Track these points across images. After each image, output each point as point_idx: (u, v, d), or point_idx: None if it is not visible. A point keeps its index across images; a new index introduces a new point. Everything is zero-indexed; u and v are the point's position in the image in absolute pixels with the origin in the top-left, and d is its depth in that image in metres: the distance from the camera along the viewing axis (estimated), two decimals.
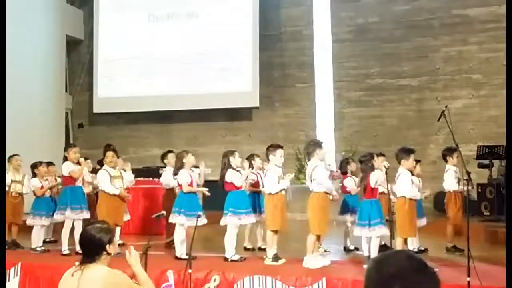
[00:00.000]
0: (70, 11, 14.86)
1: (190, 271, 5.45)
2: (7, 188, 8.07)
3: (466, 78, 12.43)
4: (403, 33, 12.86)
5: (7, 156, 8.22)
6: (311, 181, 6.44)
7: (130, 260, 3.44)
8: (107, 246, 3.35)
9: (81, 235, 3.50)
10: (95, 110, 14.71)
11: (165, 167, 8.48)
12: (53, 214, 7.80)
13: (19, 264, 6.72)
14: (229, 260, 6.68)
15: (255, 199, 7.54)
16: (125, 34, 14.23)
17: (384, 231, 6.25)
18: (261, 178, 7.37)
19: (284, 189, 6.70)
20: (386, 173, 6.12)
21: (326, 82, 12.96)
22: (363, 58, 13.12)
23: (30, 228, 7.87)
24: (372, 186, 6.35)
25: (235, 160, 7.02)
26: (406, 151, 6.46)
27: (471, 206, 8.63)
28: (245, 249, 7.63)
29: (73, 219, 7.40)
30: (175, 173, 7.27)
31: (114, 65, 14.30)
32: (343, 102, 13.22)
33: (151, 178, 10.01)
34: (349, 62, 13.19)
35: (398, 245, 6.22)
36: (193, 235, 6.12)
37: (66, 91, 14.83)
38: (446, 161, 7.52)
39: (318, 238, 6.48)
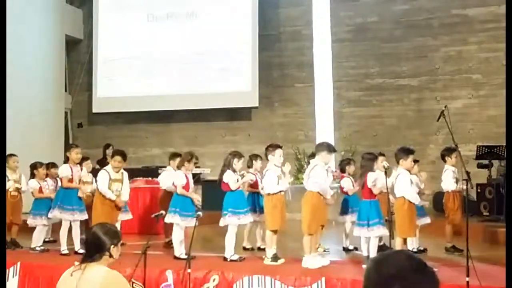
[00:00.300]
0: (69, 11, 14.86)
1: (189, 270, 5.45)
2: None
3: (465, 78, 12.43)
4: (402, 33, 12.86)
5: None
6: (308, 179, 6.44)
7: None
8: (111, 247, 3.36)
9: (87, 232, 3.54)
10: (94, 110, 14.71)
11: (165, 168, 8.47)
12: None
13: (18, 263, 6.72)
14: (228, 260, 6.68)
15: (254, 199, 7.55)
16: (125, 34, 14.24)
17: (383, 231, 6.25)
18: (260, 179, 7.37)
19: (282, 190, 6.70)
20: (386, 173, 6.11)
21: (326, 82, 12.95)
22: (362, 58, 13.13)
23: (29, 227, 7.86)
24: (369, 186, 6.35)
25: (238, 164, 7.00)
26: (405, 151, 6.46)
27: (471, 206, 8.66)
28: (244, 249, 7.63)
29: (70, 220, 7.40)
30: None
31: (114, 65, 14.31)
32: (342, 102, 13.22)
33: (150, 178, 10.01)
34: (348, 62, 13.19)
35: (397, 245, 6.22)
36: (192, 235, 6.12)
37: (65, 90, 14.83)
38: (445, 161, 7.52)
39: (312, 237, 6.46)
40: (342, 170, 7.86)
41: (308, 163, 7.96)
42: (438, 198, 8.65)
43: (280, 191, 6.66)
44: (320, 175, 6.38)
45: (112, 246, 3.35)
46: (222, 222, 6.87)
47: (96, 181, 7.54)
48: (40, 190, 8.10)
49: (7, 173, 8.10)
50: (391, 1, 12.97)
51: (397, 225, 6.29)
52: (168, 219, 6.99)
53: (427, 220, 7.44)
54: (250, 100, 13.42)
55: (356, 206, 7.13)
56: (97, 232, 3.38)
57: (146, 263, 5.15)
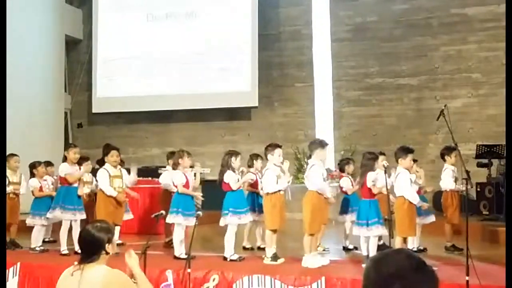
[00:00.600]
0: (69, 11, 14.87)
1: (189, 270, 5.44)
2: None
3: (465, 77, 12.44)
4: (402, 32, 12.87)
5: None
6: (307, 179, 6.45)
7: (130, 261, 3.43)
8: (107, 245, 3.35)
9: (80, 234, 3.51)
10: (94, 110, 14.73)
11: (165, 167, 8.48)
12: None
13: (18, 264, 6.71)
14: (228, 259, 6.68)
15: (253, 198, 7.55)
16: (124, 34, 14.26)
17: (382, 230, 6.25)
18: (260, 178, 7.37)
19: (281, 190, 6.69)
20: (385, 172, 6.11)
21: (325, 82, 12.96)
22: (362, 57, 13.14)
23: (29, 228, 7.86)
24: (368, 186, 6.35)
25: (236, 162, 7.01)
26: (404, 150, 6.46)
27: (470, 205, 8.67)
28: (244, 248, 7.63)
29: (70, 220, 7.40)
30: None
31: (113, 65, 14.32)
32: (342, 102, 13.23)
33: (150, 178, 10.01)
34: (348, 62, 13.20)
35: (397, 244, 6.22)
36: (192, 235, 6.12)
37: (65, 91, 14.85)
38: (445, 160, 7.52)
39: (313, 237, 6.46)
40: (342, 170, 7.87)
41: (307, 163, 7.96)
42: (438, 197, 8.66)
43: (279, 191, 6.65)
44: (318, 174, 6.36)
45: (108, 243, 3.35)
46: (222, 222, 6.87)
47: (96, 180, 7.55)
48: (41, 189, 8.10)
49: (7, 174, 8.11)
50: (390, 0, 12.98)
51: (397, 224, 6.29)
52: (170, 219, 6.98)
53: (431, 218, 7.44)
54: (249, 100, 13.43)
55: (356, 205, 7.13)
56: (91, 232, 3.37)
57: (146, 263, 5.15)
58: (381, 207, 6.44)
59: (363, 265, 5.76)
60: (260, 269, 6.12)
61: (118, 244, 6.40)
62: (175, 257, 6.85)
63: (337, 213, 7.73)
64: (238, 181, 6.95)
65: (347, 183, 7.57)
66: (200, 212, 6.01)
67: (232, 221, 6.79)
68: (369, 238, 6.31)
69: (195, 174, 7.51)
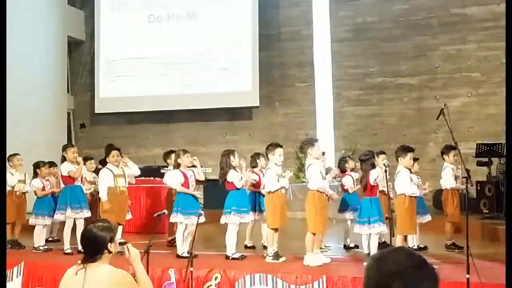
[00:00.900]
0: (71, 12, 14.92)
1: (191, 269, 5.49)
2: (9, 188, 8.13)
3: (465, 77, 12.47)
4: (402, 32, 12.91)
5: (8, 155, 8.26)
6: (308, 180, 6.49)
7: (131, 257, 3.46)
8: (109, 244, 3.37)
9: (82, 233, 3.51)
10: (96, 110, 14.77)
11: (167, 167, 8.54)
12: (54, 214, 7.84)
13: (22, 263, 6.75)
14: (230, 258, 6.72)
15: (255, 197, 7.59)
16: (126, 34, 14.30)
17: (383, 228, 6.29)
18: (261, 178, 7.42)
19: (283, 188, 6.72)
20: (386, 171, 6.15)
21: (326, 81, 12.98)
22: (362, 57, 13.17)
23: (33, 227, 7.90)
24: (372, 183, 6.39)
25: (235, 160, 7.05)
26: (404, 149, 6.52)
27: (470, 203, 8.70)
28: (246, 247, 7.68)
29: (74, 218, 7.46)
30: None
31: (115, 65, 14.37)
32: (342, 101, 13.27)
33: (152, 178, 10.06)
34: (348, 61, 13.23)
35: (398, 242, 6.26)
36: (194, 234, 6.17)
37: (67, 91, 14.89)
38: (444, 159, 7.57)
39: (316, 236, 6.50)
40: (342, 169, 7.90)
41: None
42: (438, 196, 8.69)
43: (281, 189, 6.69)
44: (316, 173, 6.37)
45: (110, 242, 3.39)
46: (223, 220, 6.91)
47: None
48: (43, 189, 8.15)
49: (12, 172, 8.17)
50: (390, 0, 13.01)
51: (397, 223, 6.34)
52: (171, 218, 7.04)
53: (427, 218, 7.48)
54: (250, 100, 13.47)
55: (355, 204, 7.19)
56: (93, 231, 3.38)
57: (149, 262, 5.21)
58: (381, 205, 6.48)
59: (364, 264, 5.81)
60: (262, 267, 6.16)
61: (121, 243, 6.46)
62: (178, 256, 6.90)
63: (337, 212, 7.76)
64: (241, 179, 7.00)
65: (349, 182, 7.59)
66: (201, 211, 6.06)
67: (234, 220, 6.84)
68: (370, 236, 6.35)
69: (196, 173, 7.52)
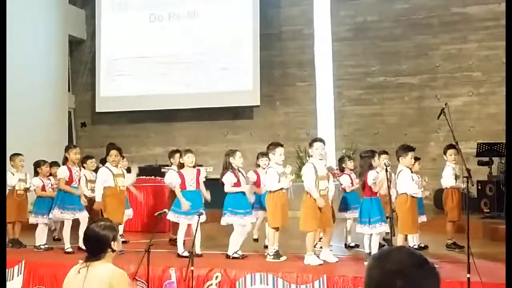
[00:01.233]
0: (72, 11, 14.92)
1: (192, 268, 5.50)
2: (10, 188, 8.14)
3: (465, 76, 12.47)
4: (402, 32, 12.90)
5: (10, 155, 8.27)
6: None
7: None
8: (112, 243, 3.40)
9: (85, 232, 3.55)
10: (97, 109, 14.77)
11: (168, 166, 8.55)
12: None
13: (23, 262, 6.76)
14: (231, 257, 6.73)
15: (260, 196, 7.58)
16: (127, 33, 14.31)
17: (384, 228, 6.30)
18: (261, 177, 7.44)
19: (284, 188, 6.73)
20: (387, 170, 6.16)
21: (327, 81, 12.99)
22: (363, 56, 13.17)
23: (33, 226, 7.92)
24: (369, 184, 6.40)
25: (235, 161, 7.00)
26: (404, 149, 6.52)
27: (471, 203, 8.70)
28: (254, 240, 7.85)
29: (71, 219, 7.48)
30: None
31: (116, 64, 14.38)
32: (343, 100, 13.27)
33: (153, 177, 10.07)
34: (349, 61, 13.23)
35: (399, 242, 6.27)
36: (195, 233, 6.19)
37: (68, 90, 14.90)
38: (446, 158, 7.57)
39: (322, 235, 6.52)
40: (342, 169, 7.91)
41: None
42: (439, 195, 8.70)
43: (281, 189, 6.69)
44: (308, 175, 6.38)
45: (113, 241, 3.41)
46: (222, 221, 6.92)
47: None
48: (43, 188, 8.16)
49: (13, 172, 8.18)
50: (391, 0, 13.00)
51: (399, 222, 6.34)
52: (169, 216, 7.03)
53: (422, 218, 7.43)
54: (251, 99, 13.47)
55: (355, 203, 7.20)
56: (96, 230, 3.41)
57: (150, 261, 5.22)
58: (382, 205, 6.49)
59: (365, 263, 5.82)
60: (263, 266, 6.18)
61: (122, 242, 6.47)
62: (179, 255, 6.91)
63: (337, 211, 7.76)
64: (238, 181, 6.95)
65: (346, 181, 7.62)
66: (202, 211, 6.07)
67: (232, 221, 6.83)
68: (371, 236, 6.36)
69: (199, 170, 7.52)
